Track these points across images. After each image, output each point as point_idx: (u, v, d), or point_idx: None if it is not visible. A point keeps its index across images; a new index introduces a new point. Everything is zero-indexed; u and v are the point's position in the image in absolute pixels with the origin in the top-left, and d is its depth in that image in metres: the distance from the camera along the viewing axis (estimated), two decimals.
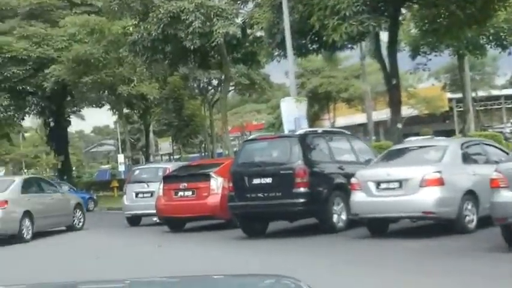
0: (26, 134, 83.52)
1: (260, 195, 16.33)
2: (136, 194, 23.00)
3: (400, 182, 14.35)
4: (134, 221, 23.31)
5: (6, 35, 43.33)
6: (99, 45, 36.96)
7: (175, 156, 62.36)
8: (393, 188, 14.45)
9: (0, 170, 75.81)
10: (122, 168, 49.07)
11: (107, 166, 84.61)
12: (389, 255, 12.78)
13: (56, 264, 15.12)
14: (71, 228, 22.99)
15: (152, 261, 14.47)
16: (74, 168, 67.27)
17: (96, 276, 11.93)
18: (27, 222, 20.40)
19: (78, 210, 23.58)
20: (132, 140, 65.18)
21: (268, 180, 16.26)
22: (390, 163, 15.56)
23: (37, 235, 20.91)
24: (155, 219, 21.39)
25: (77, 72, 38.72)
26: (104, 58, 37.45)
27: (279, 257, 13.63)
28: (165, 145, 56.56)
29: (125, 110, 50.72)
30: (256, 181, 16.42)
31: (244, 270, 11.73)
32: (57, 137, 49.12)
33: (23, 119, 50.59)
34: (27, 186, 21.65)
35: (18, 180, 22.11)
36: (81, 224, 23.52)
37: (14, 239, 19.96)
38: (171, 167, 23.31)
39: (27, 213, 20.45)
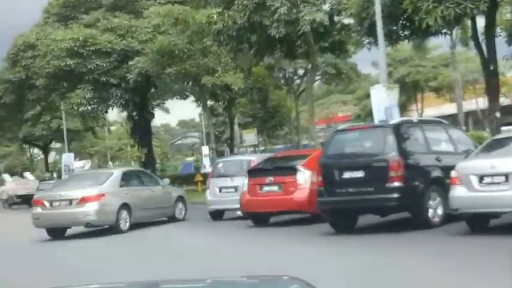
0: (112, 128, 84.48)
1: (351, 189, 15.29)
2: (220, 189, 22.12)
3: (507, 176, 13.08)
4: (217, 215, 22.51)
5: (90, 28, 43.27)
6: (184, 35, 36.35)
7: (260, 148, 61.77)
8: (498, 183, 13.20)
9: (85, 162, 76.75)
10: (206, 160, 48.54)
11: (191, 158, 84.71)
12: (497, 254, 11.56)
13: (141, 259, 14.69)
14: (172, 219, 22.98)
15: (233, 257, 13.67)
16: (158, 160, 67.36)
17: (177, 273, 11.34)
18: (124, 214, 20.75)
19: (180, 204, 23.55)
20: (217, 133, 64.79)
21: (360, 173, 15.19)
22: (493, 154, 14.26)
23: (136, 226, 21.04)
24: (239, 212, 20.58)
25: (161, 63, 38.29)
26: (188, 49, 36.90)
27: (365, 255, 12.64)
28: (250, 137, 55.88)
29: (209, 102, 50.28)
30: (346, 174, 15.38)
31: (324, 270, 10.98)
32: (141, 129, 48.97)
33: (106, 111, 50.58)
34: (126, 179, 21.97)
35: (117, 173, 22.40)
36: (182, 215, 23.49)
37: (111, 230, 20.47)
38: (256, 159, 22.39)
39: (125, 206, 20.78)
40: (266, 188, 18.62)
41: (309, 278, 3.50)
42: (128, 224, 20.81)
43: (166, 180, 25.74)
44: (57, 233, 20.94)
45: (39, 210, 20.65)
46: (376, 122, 20.10)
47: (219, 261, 13.24)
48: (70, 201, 20.15)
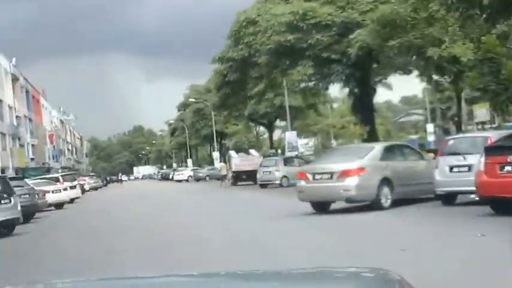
0: (334, 105, 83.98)
1: None
2: (451, 168, 19.86)
3: None
4: (448, 199, 20.21)
5: (310, 1, 42.28)
6: (407, 3, 33.97)
7: (492, 125, 57.87)
8: None
9: (309, 140, 76.53)
10: (430, 138, 46.09)
11: (415, 136, 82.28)
12: None
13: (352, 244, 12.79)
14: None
15: (470, 255, 11.17)
16: (381, 139, 65.66)
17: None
18: (385, 189, 20.55)
19: None
20: (443, 109, 61.84)
21: None
22: None
23: (397, 203, 20.59)
24: (473, 196, 18.12)
25: (382, 35, 36.24)
26: (411, 18, 34.54)
27: None
28: (481, 112, 52.22)
29: (434, 77, 47.81)
30: None
31: None
32: (362, 106, 47.45)
33: (326, 88, 49.58)
34: (387, 153, 21.83)
35: (378, 147, 22.49)
36: None
37: (372, 206, 20.31)
38: (491, 136, 19.77)
39: (386, 180, 20.59)
40: (508, 168, 15.99)
41: None
42: (389, 200, 20.53)
43: (430, 155, 24.46)
44: (320, 207, 21.14)
45: (303, 183, 21.16)
46: None
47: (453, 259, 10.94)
48: (331, 175, 20.44)
